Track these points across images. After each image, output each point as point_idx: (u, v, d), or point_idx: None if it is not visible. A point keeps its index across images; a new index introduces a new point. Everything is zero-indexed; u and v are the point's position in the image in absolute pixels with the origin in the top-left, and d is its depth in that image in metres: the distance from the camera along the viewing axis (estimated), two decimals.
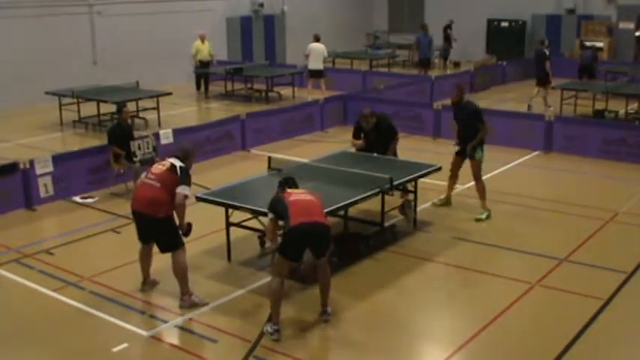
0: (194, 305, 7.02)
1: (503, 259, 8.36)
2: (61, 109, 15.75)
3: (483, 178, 9.68)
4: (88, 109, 15.51)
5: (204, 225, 8.32)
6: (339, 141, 13.64)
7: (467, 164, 9.69)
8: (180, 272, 6.96)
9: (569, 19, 24.82)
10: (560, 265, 8.04)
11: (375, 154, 9.67)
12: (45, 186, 10.40)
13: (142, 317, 6.96)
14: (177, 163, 6.96)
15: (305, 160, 10.18)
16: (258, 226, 8.22)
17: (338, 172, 8.77)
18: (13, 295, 7.58)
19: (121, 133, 10.76)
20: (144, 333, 6.60)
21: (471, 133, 9.49)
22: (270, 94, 18.86)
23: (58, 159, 10.70)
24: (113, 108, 13.59)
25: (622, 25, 23.65)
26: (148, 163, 10.54)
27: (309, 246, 6.44)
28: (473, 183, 9.75)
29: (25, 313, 7.13)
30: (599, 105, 16.18)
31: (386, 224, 8.74)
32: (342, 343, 6.51)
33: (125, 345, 6.38)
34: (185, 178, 6.89)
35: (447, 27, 25.16)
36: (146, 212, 6.86)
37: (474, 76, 20.36)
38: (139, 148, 10.77)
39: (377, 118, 9.63)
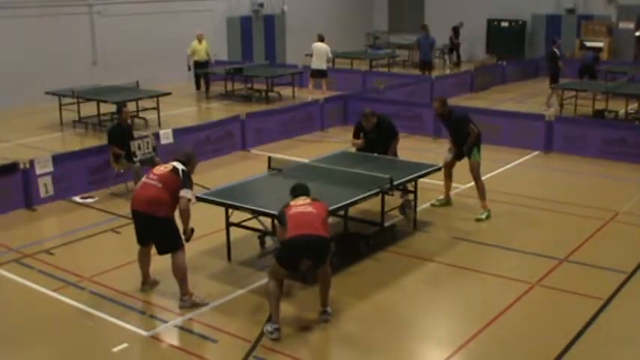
0: (194, 305, 7.02)
1: (503, 259, 8.36)
2: (61, 109, 15.75)
3: (483, 178, 9.69)
4: (88, 109, 15.51)
5: (204, 225, 8.31)
6: (339, 141, 13.64)
7: (464, 164, 9.69)
8: (180, 273, 6.96)
9: (569, 19, 24.82)
10: (560, 265, 8.04)
11: (376, 155, 9.67)
12: (45, 186, 10.40)
13: (142, 317, 6.96)
14: (180, 167, 6.98)
15: (305, 160, 10.18)
16: (258, 226, 8.22)
17: (338, 172, 8.77)
18: (13, 295, 7.59)
19: (120, 133, 10.77)
20: (144, 333, 6.60)
21: (463, 138, 9.52)
22: (270, 94, 18.86)
23: (58, 159, 10.70)
24: (113, 108, 13.60)
25: (622, 25, 23.66)
26: (147, 163, 10.58)
27: (305, 257, 6.46)
28: (473, 183, 9.75)
29: (25, 313, 7.13)
30: (599, 105, 16.17)
31: (386, 224, 8.74)
32: (342, 342, 6.51)
33: (125, 345, 6.38)
34: (187, 181, 6.91)
35: (456, 29, 25.32)
36: (146, 211, 6.86)
37: (474, 76, 20.36)
38: (139, 148, 10.78)
39: (377, 118, 9.64)
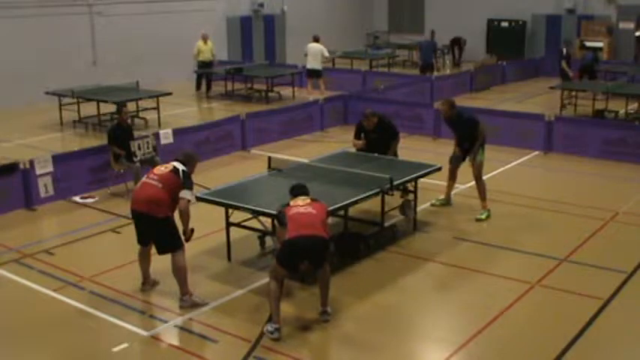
0: (194, 305, 7.02)
1: (503, 259, 8.36)
2: (61, 109, 15.75)
3: (484, 178, 9.68)
4: (88, 109, 15.51)
5: (204, 225, 8.32)
6: (339, 141, 13.65)
7: (466, 164, 9.69)
8: (180, 273, 6.96)
9: (569, 19, 24.82)
10: (560, 265, 8.04)
11: (376, 155, 9.67)
12: (45, 186, 10.40)
13: (142, 317, 6.96)
14: (180, 167, 6.99)
15: (305, 160, 10.18)
16: (258, 226, 8.22)
17: (338, 172, 8.77)
18: (13, 295, 7.58)
19: (120, 133, 10.76)
20: (144, 333, 6.60)
21: (470, 140, 9.51)
22: (270, 94, 18.86)
23: (58, 159, 10.70)
24: (113, 108, 13.59)
25: (622, 25, 23.65)
26: (147, 163, 10.58)
27: (305, 258, 6.50)
28: (473, 183, 9.75)
29: (25, 313, 7.13)
30: (599, 105, 16.17)
31: (386, 224, 8.74)
32: (343, 342, 6.51)
33: (125, 345, 6.38)
34: (188, 182, 6.91)
35: (457, 43, 25.45)
36: (145, 211, 6.86)
37: (474, 76, 20.36)
38: (139, 148, 10.78)
39: (378, 119, 9.65)
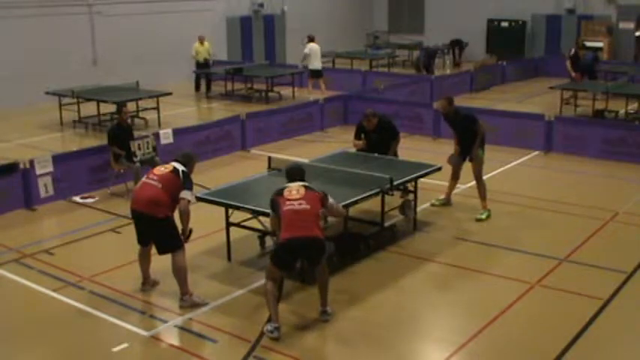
0: (194, 305, 7.02)
1: (503, 259, 8.36)
2: (61, 109, 15.75)
3: (483, 178, 9.68)
4: (88, 109, 15.51)
5: (204, 225, 8.32)
6: (339, 141, 13.65)
7: (467, 164, 9.70)
8: (180, 273, 6.96)
9: (569, 19, 24.83)
10: (560, 265, 8.04)
11: (376, 155, 9.67)
12: (45, 186, 10.40)
13: (142, 317, 6.96)
14: (180, 167, 6.99)
15: (305, 160, 10.18)
16: (258, 226, 8.22)
17: (338, 172, 8.77)
18: (13, 295, 7.59)
19: (120, 133, 10.77)
20: (144, 333, 6.60)
21: (469, 137, 9.51)
22: (270, 94, 18.86)
23: (58, 159, 10.70)
24: (113, 108, 13.59)
25: (622, 25, 23.65)
26: (147, 163, 10.58)
27: (300, 258, 6.56)
28: (473, 183, 9.76)
29: (25, 313, 7.14)
30: (599, 105, 16.17)
31: (386, 224, 8.74)
32: (343, 342, 6.50)
33: (125, 345, 6.38)
34: (188, 182, 6.92)
35: (457, 44, 25.49)
36: (146, 212, 6.86)
37: (474, 76, 20.35)
38: (139, 148, 10.78)
39: (379, 119, 9.65)
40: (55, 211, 10.24)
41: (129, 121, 11.77)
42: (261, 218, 8.02)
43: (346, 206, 7.91)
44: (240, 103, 18.38)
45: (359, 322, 6.79)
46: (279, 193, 6.65)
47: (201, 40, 19.31)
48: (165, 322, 6.83)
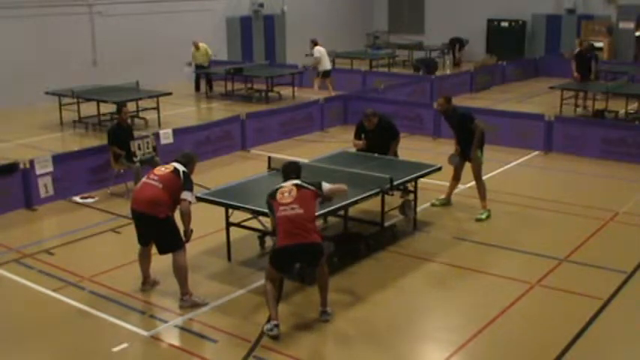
0: (194, 305, 7.02)
1: (503, 259, 8.35)
2: (61, 109, 15.75)
3: (483, 178, 9.68)
4: (88, 109, 15.52)
5: (204, 225, 8.32)
6: (339, 141, 13.65)
7: (468, 164, 9.70)
8: (181, 273, 6.96)
9: (569, 19, 24.83)
10: (560, 265, 8.04)
11: (376, 155, 9.67)
12: (45, 186, 10.40)
13: (142, 317, 6.96)
14: (181, 168, 6.99)
15: (305, 160, 10.18)
16: (258, 226, 8.22)
17: (338, 172, 8.76)
18: (13, 295, 7.59)
19: (120, 133, 10.77)
20: (144, 333, 6.60)
21: (467, 136, 9.51)
22: (270, 94, 18.86)
23: (58, 159, 10.70)
24: (113, 108, 13.59)
25: (622, 25, 23.64)
26: (147, 163, 10.58)
27: (297, 261, 6.67)
28: (473, 183, 9.75)
29: (25, 313, 7.13)
30: (599, 105, 16.17)
31: (386, 224, 8.74)
32: (343, 342, 6.50)
33: (125, 345, 6.38)
34: (188, 183, 6.92)
35: (457, 42, 25.47)
36: (147, 212, 6.86)
37: (473, 76, 20.36)
38: (139, 148, 10.77)
39: (379, 119, 9.66)
40: (55, 211, 10.24)
41: (129, 121, 11.78)
42: (261, 218, 8.02)
43: (346, 206, 7.94)
44: (240, 103, 18.38)
45: (359, 322, 6.79)
46: (273, 195, 6.64)
47: (196, 45, 19.40)
48: (165, 322, 6.83)
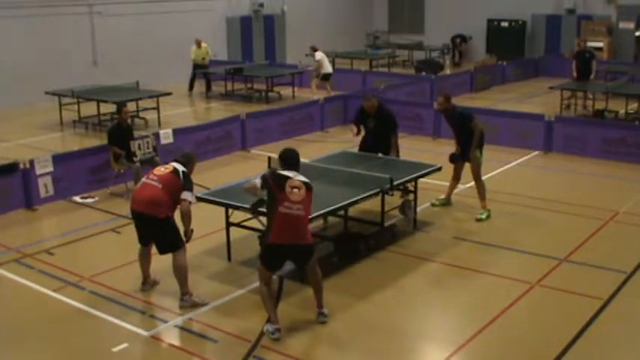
0: (194, 305, 7.02)
1: (503, 259, 8.35)
2: (61, 109, 15.75)
3: (483, 178, 9.69)
4: (88, 109, 15.52)
5: (204, 225, 8.31)
6: (339, 141, 13.65)
7: (468, 164, 9.70)
8: (181, 272, 6.97)
9: (569, 19, 24.82)
10: (560, 265, 8.04)
11: (378, 155, 9.68)
12: (45, 186, 10.40)
13: (142, 317, 6.96)
14: (180, 168, 6.99)
15: (305, 160, 10.17)
16: (258, 226, 8.22)
17: (338, 172, 8.77)
18: (13, 295, 7.58)
19: (120, 133, 10.77)
20: (144, 333, 6.60)
21: (466, 136, 9.51)
22: (270, 94, 18.86)
23: (58, 159, 10.70)
24: (113, 108, 13.59)
25: (622, 25, 23.64)
26: (147, 163, 10.58)
27: (287, 259, 6.63)
28: (473, 183, 9.75)
29: (25, 313, 7.13)
30: (599, 105, 16.17)
31: (386, 224, 8.74)
32: (343, 342, 6.50)
33: (125, 345, 6.38)
34: (188, 183, 6.92)
35: (459, 38, 25.48)
36: (146, 212, 6.87)
37: (473, 76, 20.35)
38: (139, 148, 10.77)
39: (379, 105, 9.69)
40: (55, 211, 10.23)
41: (129, 121, 11.77)
42: (262, 218, 8.01)
43: (346, 206, 7.93)
44: (240, 103, 18.38)
45: (359, 322, 6.79)
46: (279, 183, 6.30)
47: (198, 43, 19.37)
48: (165, 322, 6.83)
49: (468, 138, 9.47)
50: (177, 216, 6.95)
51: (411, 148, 12.31)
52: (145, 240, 7.16)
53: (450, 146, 10.27)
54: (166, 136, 12.10)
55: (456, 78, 20.50)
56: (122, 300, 7.24)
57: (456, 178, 9.95)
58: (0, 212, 9.88)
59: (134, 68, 18.85)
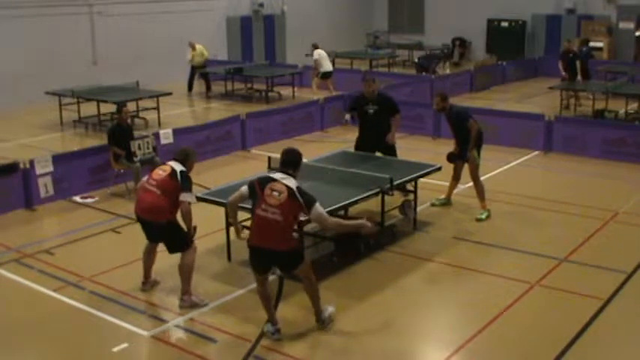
0: (194, 305, 7.02)
1: (503, 259, 8.35)
2: (61, 109, 15.76)
3: (483, 178, 9.69)
4: (88, 109, 15.52)
5: (205, 225, 8.29)
6: (339, 141, 13.64)
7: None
8: (185, 271, 6.94)
9: (569, 19, 24.82)
10: (560, 265, 8.04)
11: (377, 154, 9.68)
12: (45, 186, 10.40)
13: (142, 317, 6.95)
14: (178, 168, 6.93)
15: (305, 160, 10.16)
16: None
17: (338, 172, 8.77)
18: (13, 295, 7.59)
19: (120, 133, 10.76)
20: (144, 333, 6.60)
21: (463, 135, 9.51)
22: (270, 94, 18.87)
23: (58, 159, 10.70)
24: (113, 108, 13.59)
25: (622, 25, 23.64)
26: (148, 163, 10.59)
27: (271, 265, 6.37)
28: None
29: (25, 313, 7.13)
30: (599, 105, 16.17)
31: (386, 224, 8.74)
32: (342, 342, 6.50)
33: (125, 345, 6.39)
34: (186, 184, 6.88)
35: (458, 41, 25.50)
36: (148, 219, 6.88)
37: (473, 76, 20.35)
38: (139, 148, 10.78)
39: (379, 92, 9.61)
40: (55, 211, 10.24)
41: (129, 121, 11.77)
42: None
43: (346, 206, 7.93)
44: (240, 103, 18.39)
45: (359, 322, 6.79)
46: (263, 186, 6.13)
47: (192, 46, 19.38)
48: (165, 322, 6.83)
49: (466, 138, 9.47)
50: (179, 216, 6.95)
51: (411, 148, 12.32)
52: (148, 236, 7.17)
53: (450, 146, 10.26)
54: (166, 136, 12.10)
55: (456, 78, 20.49)
56: (122, 300, 7.24)
57: (456, 178, 9.95)
58: (0, 212, 9.88)
59: (134, 68, 18.86)
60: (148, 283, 7.41)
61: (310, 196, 6.12)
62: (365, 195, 8.01)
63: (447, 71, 23.65)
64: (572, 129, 13.23)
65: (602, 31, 23.80)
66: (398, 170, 8.86)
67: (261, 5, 24.17)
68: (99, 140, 13.15)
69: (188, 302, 7.02)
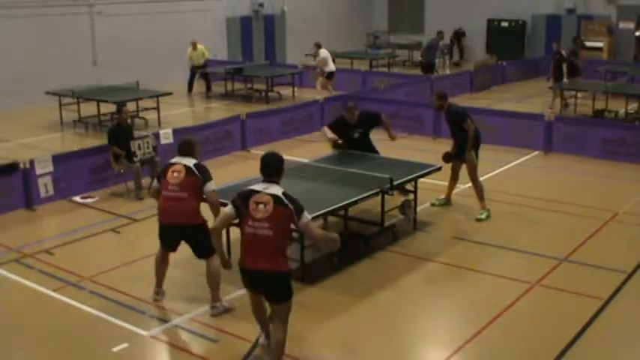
0: (227, 311, 6.89)
1: (503, 259, 8.35)
2: (61, 109, 15.76)
3: (483, 178, 9.70)
4: (88, 109, 15.52)
5: None
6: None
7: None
8: (214, 279, 6.83)
9: (569, 19, 24.83)
10: (560, 265, 8.04)
11: (377, 155, 9.67)
12: (45, 186, 10.40)
13: (142, 317, 6.95)
14: (190, 162, 6.80)
15: (305, 160, 10.18)
16: None
17: (338, 172, 8.77)
18: (13, 295, 7.58)
19: (120, 133, 10.76)
20: (144, 333, 6.60)
21: (461, 135, 9.51)
22: (270, 94, 18.87)
23: (58, 159, 10.70)
24: (113, 108, 13.59)
25: (622, 25, 23.66)
26: (147, 163, 10.59)
27: (258, 289, 5.75)
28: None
29: (25, 312, 7.13)
30: (599, 105, 16.17)
31: (386, 224, 8.74)
32: (342, 342, 6.50)
33: (125, 345, 6.38)
34: (205, 174, 6.75)
35: (459, 33, 25.47)
36: (181, 222, 6.70)
37: (473, 76, 20.35)
38: (139, 148, 10.77)
39: (360, 112, 9.61)
40: (55, 211, 10.24)
41: (129, 121, 11.77)
42: None
43: (346, 206, 7.92)
44: (240, 103, 18.39)
45: (359, 322, 6.79)
46: (246, 201, 5.62)
47: (194, 45, 19.36)
48: (165, 322, 6.83)
49: (463, 137, 9.46)
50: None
51: (411, 148, 12.32)
52: (170, 244, 6.92)
53: (449, 146, 10.25)
54: (166, 136, 12.10)
55: (456, 78, 20.50)
56: (122, 300, 7.24)
57: (455, 178, 9.95)
58: (0, 212, 9.88)
59: (134, 68, 18.85)
60: (161, 292, 7.21)
61: (299, 202, 5.58)
62: (365, 195, 8.01)
63: (447, 71, 23.67)
64: (572, 129, 13.23)
65: (602, 31, 23.82)
66: (398, 170, 8.85)
67: (261, 5, 24.17)
68: (99, 140, 13.15)
69: (221, 309, 6.89)
